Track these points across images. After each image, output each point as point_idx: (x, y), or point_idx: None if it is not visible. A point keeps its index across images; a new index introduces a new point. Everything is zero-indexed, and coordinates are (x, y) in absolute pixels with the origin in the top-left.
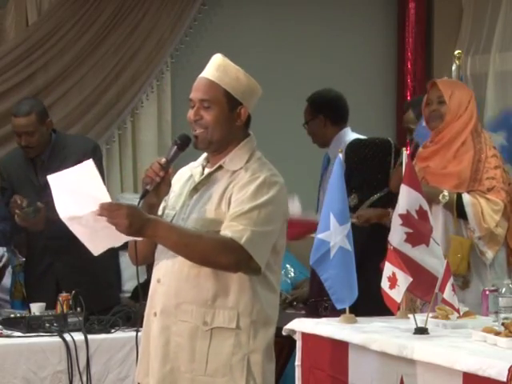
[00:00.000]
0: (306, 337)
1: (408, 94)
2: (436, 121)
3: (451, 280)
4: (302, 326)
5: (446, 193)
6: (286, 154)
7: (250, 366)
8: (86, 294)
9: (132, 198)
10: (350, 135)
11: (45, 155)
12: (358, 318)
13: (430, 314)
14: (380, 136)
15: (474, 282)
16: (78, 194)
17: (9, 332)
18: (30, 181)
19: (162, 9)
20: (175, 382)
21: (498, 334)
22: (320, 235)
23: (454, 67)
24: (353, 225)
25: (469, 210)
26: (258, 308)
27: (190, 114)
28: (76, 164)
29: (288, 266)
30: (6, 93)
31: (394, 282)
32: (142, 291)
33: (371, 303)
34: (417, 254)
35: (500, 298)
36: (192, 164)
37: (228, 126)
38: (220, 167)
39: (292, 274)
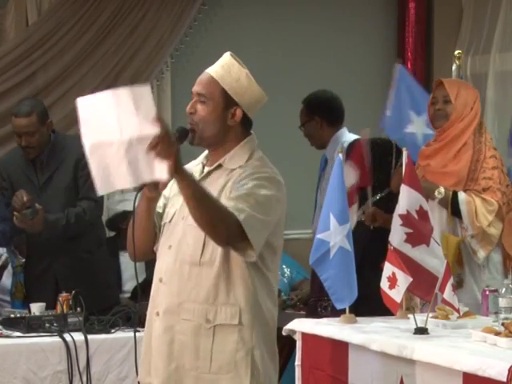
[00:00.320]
0: (305, 337)
1: None
2: (441, 120)
3: (451, 280)
4: (301, 326)
5: (441, 189)
6: (284, 155)
7: (254, 362)
8: (86, 294)
9: (131, 200)
10: (347, 136)
11: (44, 155)
12: (358, 318)
13: (430, 314)
14: (379, 136)
15: (467, 282)
16: (114, 118)
17: (9, 332)
18: (29, 181)
19: (161, 9)
20: (180, 380)
21: (498, 334)
22: (320, 235)
23: (454, 67)
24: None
25: (463, 207)
26: (258, 304)
27: (188, 106)
28: (75, 164)
29: (284, 266)
30: (6, 93)
31: (394, 282)
32: (140, 291)
33: (371, 303)
34: (417, 254)
35: (500, 299)
36: (192, 162)
37: (219, 123)
38: (219, 166)
39: (289, 274)
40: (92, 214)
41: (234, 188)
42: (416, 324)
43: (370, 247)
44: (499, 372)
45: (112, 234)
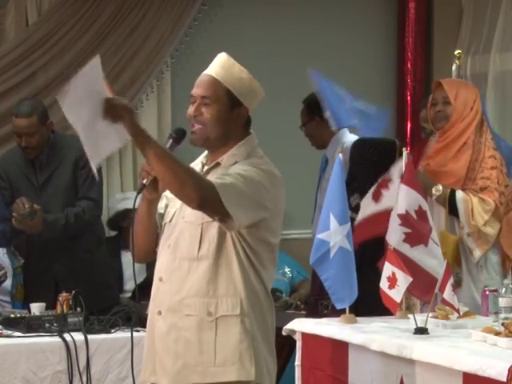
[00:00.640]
0: (306, 337)
1: (408, 94)
2: (441, 122)
3: (451, 280)
4: (302, 325)
5: (439, 186)
6: (284, 155)
7: (256, 351)
8: (85, 294)
9: (132, 198)
10: (348, 136)
11: (43, 155)
12: (358, 318)
13: (430, 314)
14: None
15: (465, 282)
16: (85, 99)
17: (9, 332)
18: (28, 180)
19: (162, 9)
20: (188, 376)
21: (498, 334)
22: (320, 235)
23: (454, 67)
24: (353, 224)
25: (460, 205)
26: (256, 295)
27: (191, 109)
28: (74, 164)
29: (285, 266)
30: (6, 93)
31: (394, 282)
32: (138, 290)
33: (370, 302)
34: (415, 254)
35: (500, 299)
36: (192, 163)
37: (226, 124)
38: (218, 164)
39: (289, 274)
40: (91, 213)
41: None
42: (416, 324)
43: (369, 247)
44: (499, 372)
45: (113, 233)
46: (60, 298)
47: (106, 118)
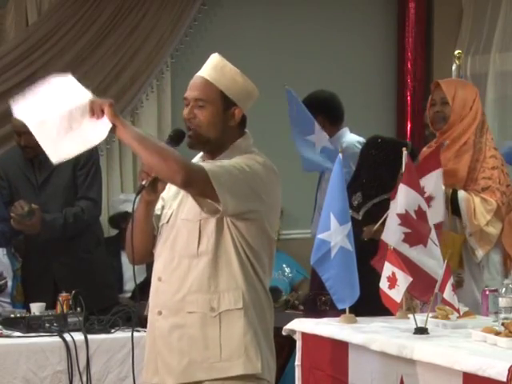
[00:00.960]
0: (305, 337)
1: (408, 94)
2: (440, 122)
3: (451, 280)
4: (301, 326)
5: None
6: (284, 154)
7: (259, 343)
8: (84, 295)
9: (132, 198)
10: (349, 136)
11: (43, 155)
12: (358, 318)
13: (430, 314)
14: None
15: (467, 282)
16: (47, 103)
17: (9, 332)
18: (27, 180)
19: (161, 9)
20: (194, 373)
21: (498, 333)
22: (320, 235)
23: (454, 67)
24: (354, 224)
25: (462, 205)
26: (254, 289)
27: (185, 112)
28: (73, 164)
29: (285, 265)
30: (6, 93)
31: (394, 282)
32: (139, 291)
33: (371, 303)
34: (414, 254)
35: (500, 298)
36: None
37: (221, 126)
38: None
39: (289, 274)
40: (91, 213)
41: None
42: (416, 324)
43: (369, 246)
44: (499, 372)
45: (113, 233)
46: (60, 298)
47: (91, 115)
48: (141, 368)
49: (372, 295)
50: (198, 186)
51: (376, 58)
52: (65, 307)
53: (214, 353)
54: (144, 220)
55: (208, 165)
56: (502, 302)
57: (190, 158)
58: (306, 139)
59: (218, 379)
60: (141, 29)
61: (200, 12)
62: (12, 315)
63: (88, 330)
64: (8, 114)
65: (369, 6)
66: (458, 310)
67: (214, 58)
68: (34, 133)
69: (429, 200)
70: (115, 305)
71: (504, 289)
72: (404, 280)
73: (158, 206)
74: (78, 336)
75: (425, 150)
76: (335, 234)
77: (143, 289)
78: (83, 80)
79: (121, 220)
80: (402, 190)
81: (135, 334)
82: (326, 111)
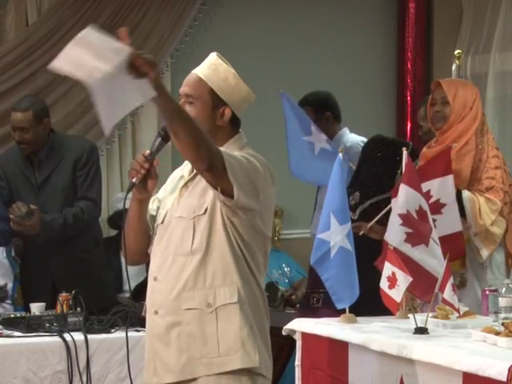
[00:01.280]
0: (305, 337)
1: (408, 93)
2: (440, 122)
3: (451, 280)
4: (301, 325)
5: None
6: (284, 155)
7: (256, 337)
8: (82, 295)
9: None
10: (349, 136)
11: (42, 155)
12: (358, 318)
13: (430, 314)
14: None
15: (470, 282)
16: (96, 55)
17: (9, 332)
18: (27, 180)
19: (161, 9)
20: (193, 370)
21: (498, 333)
22: (320, 235)
23: (454, 67)
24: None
25: (467, 204)
26: (249, 285)
27: None
28: (74, 164)
29: (284, 265)
30: (6, 93)
31: (394, 282)
32: (139, 291)
33: (370, 303)
34: (416, 254)
35: (500, 298)
36: (184, 163)
37: (208, 123)
38: None
39: (289, 274)
40: (90, 214)
41: None
42: (416, 324)
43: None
44: (499, 372)
45: (113, 233)
46: (60, 298)
47: (131, 72)
48: (141, 367)
49: (367, 294)
50: (216, 174)
51: (376, 57)
52: (65, 307)
53: (212, 348)
54: (137, 219)
55: (223, 150)
56: (502, 301)
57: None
58: (304, 140)
59: (217, 374)
60: (141, 29)
61: (200, 12)
62: (12, 315)
63: (88, 329)
64: (8, 113)
65: (369, 6)
66: (458, 310)
67: (211, 57)
68: (94, 99)
69: (440, 206)
70: (113, 305)
71: (504, 289)
72: (404, 280)
73: (154, 206)
74: (78, 336)
75: (425, 151)
76: (335, 233)
77: (143, 289)
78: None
79: (119, 218)
80: (403, 189)
81: (135, 333)
82: (332, 108)
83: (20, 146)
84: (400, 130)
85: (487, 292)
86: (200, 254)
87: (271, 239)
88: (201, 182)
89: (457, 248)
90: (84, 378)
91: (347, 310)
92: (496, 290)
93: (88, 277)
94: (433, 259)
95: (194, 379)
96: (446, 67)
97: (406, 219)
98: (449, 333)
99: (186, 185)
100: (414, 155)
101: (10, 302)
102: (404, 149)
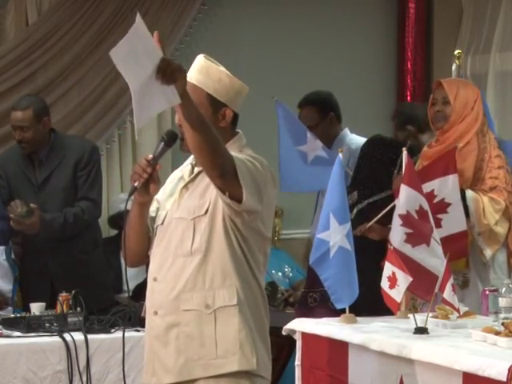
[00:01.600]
0: (305, 337)
1: (408, 93)
2: (441, 121)
3: (451, 280)
4: (301, 325)
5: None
6: None
7: (254, 340)
8: (81, 295)
9: (132, 198)
10: (350, 136)
11: (43, 154)
12: (358, 318)
13: (430, 314)
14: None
15: (473, 282)
16: (137, 58)
17: (9, 332)
18: (27, 179)
19: (161, 9)
20: (191, 371)
21: (498, 333)
22: (319, 235)
23: (453, 67)
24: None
25: (471, 204)
26: (248, 285)
27: (176, 118)
28: (75, 164)
29: (285, 266)
30: (6, 93)
31: (394, 282)
32: (139, 291)
33: (370, 303)
34: (417, 254)
35: (500, 298)
36: (183, 164)
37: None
38: None
39: (289, 274)
40: (91, 214)
41: None
42: (416, 324)
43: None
44: (499, 372)
45: (113, 233)
46: (60, 298)
47: (159, 78)
48: (141, 367)
49: (371, 294)
50: (228, 180)
51: (376, 57)
52: (65, 307)
53: (210, 350)
54: (138, 222)
55: (237, 161)
56: (502, 301)
57: (185, 156)
58: (297, 149)
59: (214, 376)
60: None
61: (200, 12)
62: (12, 315)
63: (88, 329)
64: (8, 113)
65: (369, 6)
66: (458, 310)
67: (199, 60)
68: (133, 97)
69: (445, 206)
70: (112, 306)
71: (504, 289)
72: (404, 280)
73: (153, 207)
74: (78, 336)
75: (426, 150)
76: (334, 233)
77: (143, 289)
78: (83, 80)
79: (120, 220)
80: (403, 190)
81: (136, 334)
82: (335, 108)
83: (20, 145)
84: None
85: (487, 292)
86: (200, 254)
87: (271, 239)
88: (201, 184)
89: (461, 247)
90: (84, 378)
91: (347, 310)
92: (496, 290)
93: (87, 277)
94: (434, 259)
95: (193, 381)
96: (446, 67)
97: (405, 220)
98: (449, 333)
99: (185, 186)
100: (412, 154)
101: (9, 303)
102: (404, 149)
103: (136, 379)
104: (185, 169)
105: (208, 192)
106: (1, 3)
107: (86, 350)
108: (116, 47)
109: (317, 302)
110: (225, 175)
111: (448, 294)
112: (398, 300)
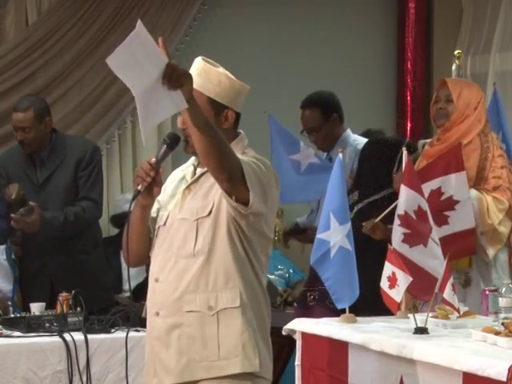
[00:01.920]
0: (305, 337)
1: (408, 93)
2: (442, 119)
3: (451, 280)
4: (301, 325)
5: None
6: None
7: (257, 341)
8: (81, 295)
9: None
10: (353, 136)
11: (44, 154)
12: (358, 318)
13: (430, 314)
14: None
15: (475, 282)
16: (138, 64)
17: (9, 332)
18: (28, 179)
19: (161, 9)
20: (193, 372)
21: (498, 333)
22: (320, 235)
23: (453, 67)
24: (353, 224)
25: (475, 203)
26: (251, 287)
27: (178, 121)
28: (76, 164)
29: (284, 266)
30: (6, 93)
31: (394, 282)
32: (139, 291)
33: (370, 303)
34: (414, 254)
35: (500, 298)
36: (184, 165)
37: None
38: None
39: (287, 275)
40: (91, 213)
41: None
42: (416, 324)
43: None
44: (499, 372)
45: (113, 233)
46: (60, 298)
47: (165, 83)
48: (141, 368)
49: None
50: (235, 184)
51: (376, 57)
52: (65, 307)
53: (212, 352)
54: (140, 223)
55: (244, 164)
56: (502, 301)
57: (186, 156)
58: (290, 159)
59: (217, 378)
60: None
61: (200, 12)
62: (12, 315)
63: (88, 329)
64: (8, 113)
65: (369, 6)
66: (457, 310)
67: (198, 64)
68: (137, 102)
69: (453, 203)
70: (112, 306)
71: (504, 288)
72: (404, 280)
73: (154, 208)
74: (78, 336)
75: (427, 149)
76: (335, 233)
77: (143, 289)
78: (83, 80)
79: (125, 219)
80: (403, 190)
81: (135, 334)
82: (337, 109)
83: (22, 146)
84: (400, 130)
85: (487, 292)
86: (203, 256)
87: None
88: (204, 185)
89: (469, 245)
90: (84, 378)
91: (347, 310)
92: (496, 290)
93: (87, 277)
94: (432, 260)
95: (195, 382)
96: (446, 67)
97: (403, 220)
98: (449, 333)
99: (188, 187)
100: (410, 152)
101: (9, 303)
102: (404, 149)
103: (136, 379)
104: (187, 170)
105: (211, 193)
106: (1, 3)
107: (86, 350)
108: (112, 54)
109: (316, 301)
110: (233, 178)
111: (448, 293)
112: (398, 300)
